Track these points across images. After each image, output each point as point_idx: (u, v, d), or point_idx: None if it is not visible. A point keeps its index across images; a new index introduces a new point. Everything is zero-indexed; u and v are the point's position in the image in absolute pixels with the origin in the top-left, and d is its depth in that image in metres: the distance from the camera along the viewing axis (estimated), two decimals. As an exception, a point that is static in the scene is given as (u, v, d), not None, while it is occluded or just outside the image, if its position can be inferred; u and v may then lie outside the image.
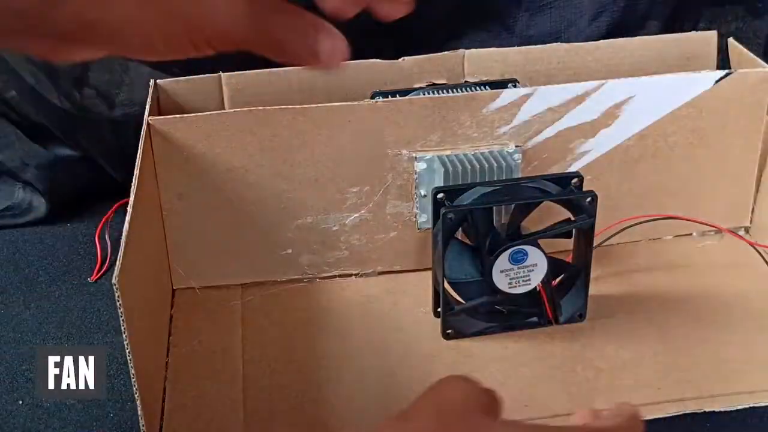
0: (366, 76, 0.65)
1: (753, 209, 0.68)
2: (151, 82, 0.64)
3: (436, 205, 0.56)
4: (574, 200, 0.55)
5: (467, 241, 0.58)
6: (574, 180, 0.56)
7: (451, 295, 0.58)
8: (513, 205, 0.56)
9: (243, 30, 0.35)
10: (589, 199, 0.55)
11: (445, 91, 0.65)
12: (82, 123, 0.71)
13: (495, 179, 0.60)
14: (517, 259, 0.55)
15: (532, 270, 0.56)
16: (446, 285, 0.57)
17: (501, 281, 0.56)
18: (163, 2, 0.32)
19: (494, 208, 0.57)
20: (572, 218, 0.56)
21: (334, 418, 0.54)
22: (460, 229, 0.57)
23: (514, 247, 0.55)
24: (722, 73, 0.62)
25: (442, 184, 0.59)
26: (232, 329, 0.61)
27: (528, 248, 0.55)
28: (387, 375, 0.56)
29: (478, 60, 0.69)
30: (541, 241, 0.56)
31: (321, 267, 0.65)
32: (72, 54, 0.32)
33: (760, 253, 0.65)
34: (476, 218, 0.55)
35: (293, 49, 0.37)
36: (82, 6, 0.30)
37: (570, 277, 0.59)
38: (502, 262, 0.55)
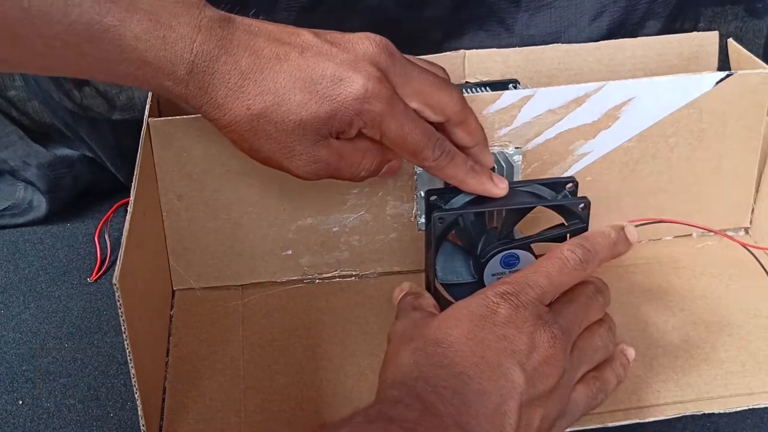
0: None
1: (753, 210, 0.68)
2: (152, 82, 0.64)
3: (429, 207, 0.55)
4: (567, 206, 0.55)
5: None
6: (569, 185, 0.56)
7: (444, 297, 0.57)
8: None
9: (312, 177, 0.51)
10: (581, 205, 0.54)
11: (445, 91, 0.65)
12: (86, 121, 0.71)
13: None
14: (509, 263, 0.55)
15: (525, 274, 0.56)
16: (439, 287, 0.57)
17: (493, 285, 0.56)
18: (263, 155, 0.49)
19: (487, 210, 0.56)
20: (565, 223, 0.56)
21: (334, 418, 0.53)
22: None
23: (505, 251, 0.54)
24: (722, 74, 0.62)
25: (442, 186, 0.59)
26: (232, 329, 0.61)
27: (519, 252, 0.55)
28: (387, 376, 0.56)
29: (478, 60, 0.69)
30: (536, 244, 0.56)
31: (321, 268, 0.65)
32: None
33: (755, 256, 0.65)
34: (467, 222, 0.55)
35: (355, 180, 0.53)
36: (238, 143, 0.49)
37: None
38: (494, 265, 0.55)
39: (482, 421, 0.41)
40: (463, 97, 0.53)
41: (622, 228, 0.49)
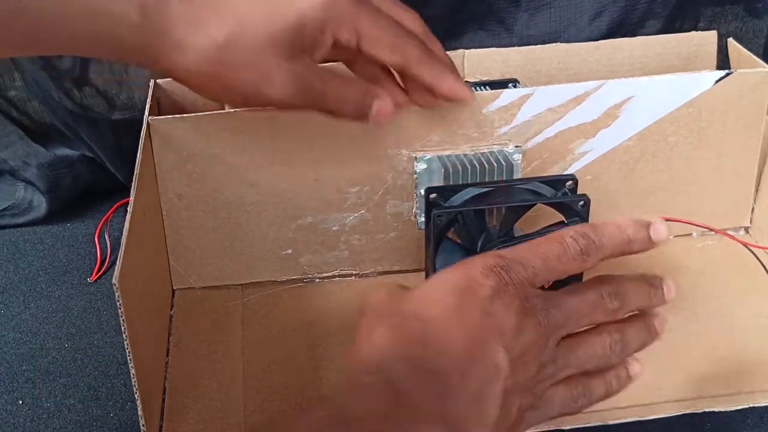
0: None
1: (753, 209, 0.68)
2: (151, 82, 0.64)
3: (429, 205, 0.55)
4: (567, 203, 0.55)
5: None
6: (569, 183, 0.56)
7: None
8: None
9: (297, 102, 0.46)
10: (581, 203, 0.54)
11: (445, 91, 0.65)
12: (86, 121, 0.71)
13: (494, 179, 0.60)
14: None
15: (525, 271, 0.56)
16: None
17: (494, 282, 0.56)
18: (239, 90, 0.45)
19: (487, 208, 0.56)
20: (565, 221, 0.56)
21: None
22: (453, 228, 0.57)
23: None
24: (722, 73, 0.62)
25: (442, 185, 0.59)
26: (232, 329, 0.61)
27: None
28: (387, 375, 0.56)
29: (478, 60, 0.69)
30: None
31: (321, 267, 0.65)
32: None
33: (755, 255, 0.65)
34: (467, 220, 0.55)
35: (343, 113, 0.48)
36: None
37: (564, 279, 0.58)
38: None
39: (462, 407, 0.38)
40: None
41: (648, 225, 0.45)
